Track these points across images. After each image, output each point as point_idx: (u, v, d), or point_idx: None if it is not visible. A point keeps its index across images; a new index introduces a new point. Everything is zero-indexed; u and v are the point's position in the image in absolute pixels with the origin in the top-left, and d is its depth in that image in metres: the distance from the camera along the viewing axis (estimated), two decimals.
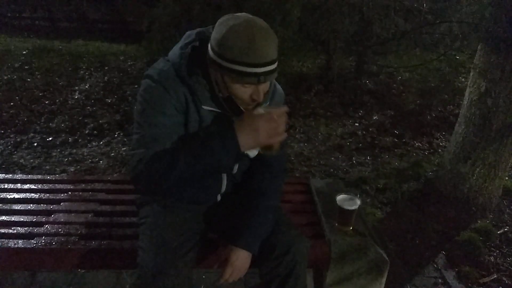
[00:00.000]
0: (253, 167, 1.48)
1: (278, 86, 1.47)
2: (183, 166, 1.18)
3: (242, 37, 1.10)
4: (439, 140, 3.82)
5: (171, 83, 1.22)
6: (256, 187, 1.44)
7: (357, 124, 4.11)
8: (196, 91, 1.23)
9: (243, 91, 1.18)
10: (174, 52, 1.27)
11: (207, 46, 1.21)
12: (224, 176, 1.43)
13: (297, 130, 3.91)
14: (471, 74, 2.72)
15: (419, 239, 2.49)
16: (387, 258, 1.64)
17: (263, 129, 1.16)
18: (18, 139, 3.49)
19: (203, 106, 1.25)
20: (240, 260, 1.33)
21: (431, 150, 3.63)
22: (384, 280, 1.68)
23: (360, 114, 4.33)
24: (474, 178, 2.73)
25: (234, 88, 1.18)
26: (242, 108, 1.24)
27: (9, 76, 4.94)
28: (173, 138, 1.22)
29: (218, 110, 1.28)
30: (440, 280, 2.18)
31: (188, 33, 1.29)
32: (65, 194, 1.83)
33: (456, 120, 2.87)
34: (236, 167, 1.43)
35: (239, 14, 1.18)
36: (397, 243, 2.44)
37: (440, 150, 3.61)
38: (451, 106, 4.49)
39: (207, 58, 1.21)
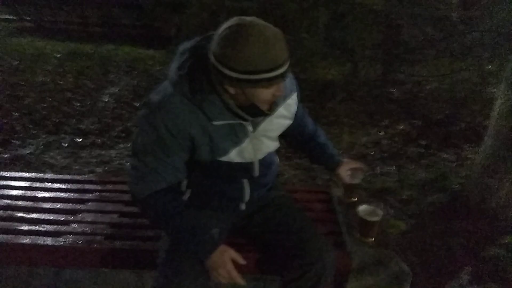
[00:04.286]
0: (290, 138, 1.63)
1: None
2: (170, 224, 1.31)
3: (257, 46, 1.07)
4: (467, 152, 3.72)
5: (175, 111, 1.20)
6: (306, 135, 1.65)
7: (382, 133, 4.05)
8: (203, 108, 1.20)
9: (268, 93, 1.18)
10: (172, 73, 1.23)
11: (205, 62, 1.17)
12: (245, 182, 1.41)
13: None
14: (501, 85, 2.65)
15: (443, 253, 2.42)
16: (409, 271, 1.62)
17: (217, 271, 1.26)
18: (49, 140, 3.61)
19: (213, 122, 1.23)
20: None
21: (459, 162, 3.54)
22: None
23: (385, 123, 4.27)
24: (503, 192, 2.64)
25: (259, 95, 1.17)
26: (263, 110, 1.24)
27: (43, 78, 5.13)
28: (173, 172, 1.29)
29: (232, 122, 1.25)
30: None
31: (181, 49, 1.25)
32: (92, 194, 1.89)
33: (485, 132, 2.79)
34: (257, 169, 1.40)
35: (233, 23, 1.11)
36: (421, 256, 2.38)
37: (468, 162, 3.52)
38: (480, 118, 4.36)
39: (214, 77, 1.18)
